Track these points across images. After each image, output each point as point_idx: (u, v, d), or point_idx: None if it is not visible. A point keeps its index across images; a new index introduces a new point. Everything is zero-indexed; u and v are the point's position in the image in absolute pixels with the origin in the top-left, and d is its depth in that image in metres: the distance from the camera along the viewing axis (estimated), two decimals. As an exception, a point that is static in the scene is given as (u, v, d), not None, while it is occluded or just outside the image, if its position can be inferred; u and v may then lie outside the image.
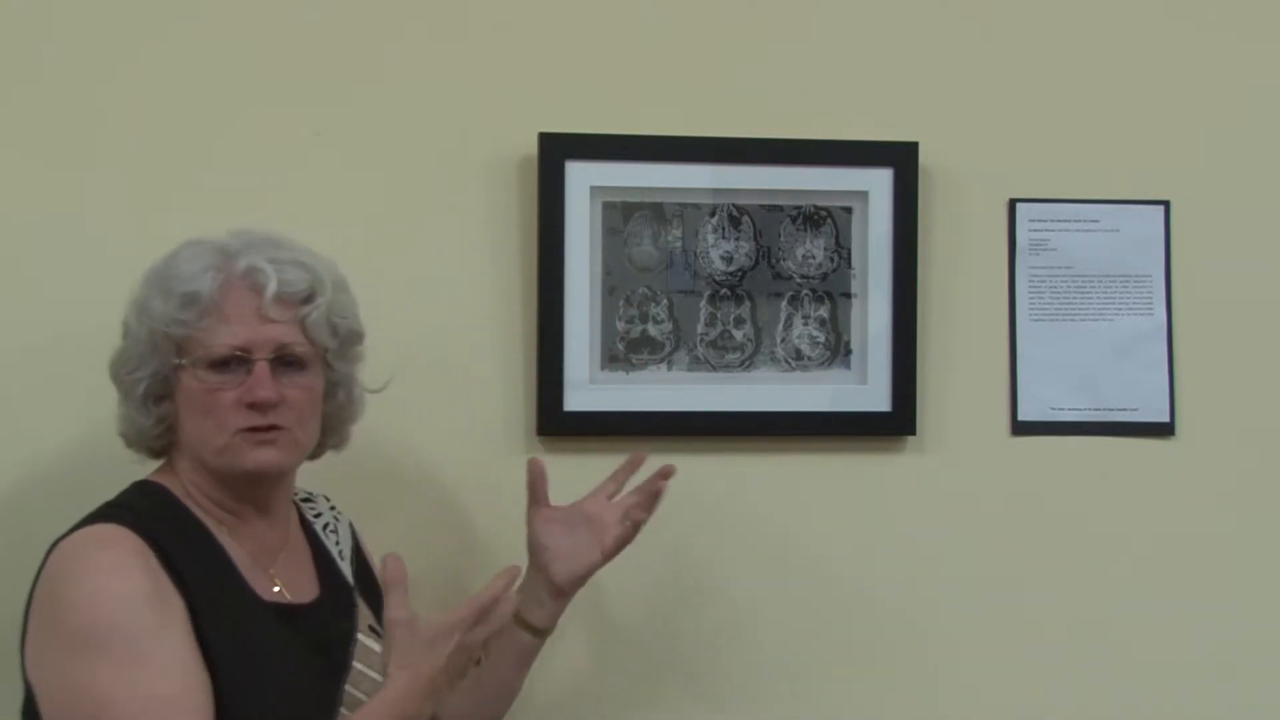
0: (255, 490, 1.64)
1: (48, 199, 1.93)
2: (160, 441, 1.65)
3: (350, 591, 1.73)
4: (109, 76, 1.95)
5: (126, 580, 1.49)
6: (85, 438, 1.89)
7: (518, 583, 1.63)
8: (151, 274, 1.62)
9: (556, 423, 2.03)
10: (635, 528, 1.83)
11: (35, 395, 1.92)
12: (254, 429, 1.58)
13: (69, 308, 1.90)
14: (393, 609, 1.52)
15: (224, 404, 1.58)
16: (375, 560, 1.80)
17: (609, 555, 1.83)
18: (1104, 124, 2.15)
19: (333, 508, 1.81)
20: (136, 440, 1.65)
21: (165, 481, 1.64)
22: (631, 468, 1.88)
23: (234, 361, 1.58)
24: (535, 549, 1.84)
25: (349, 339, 1.68)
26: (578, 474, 2.03)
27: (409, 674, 1.50)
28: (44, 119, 1.94)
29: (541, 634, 1.83)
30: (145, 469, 1.67)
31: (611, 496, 1.86)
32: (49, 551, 1.55)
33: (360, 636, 1.67)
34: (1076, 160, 2.15)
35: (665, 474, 1.84)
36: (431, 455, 2.01)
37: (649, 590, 2.07)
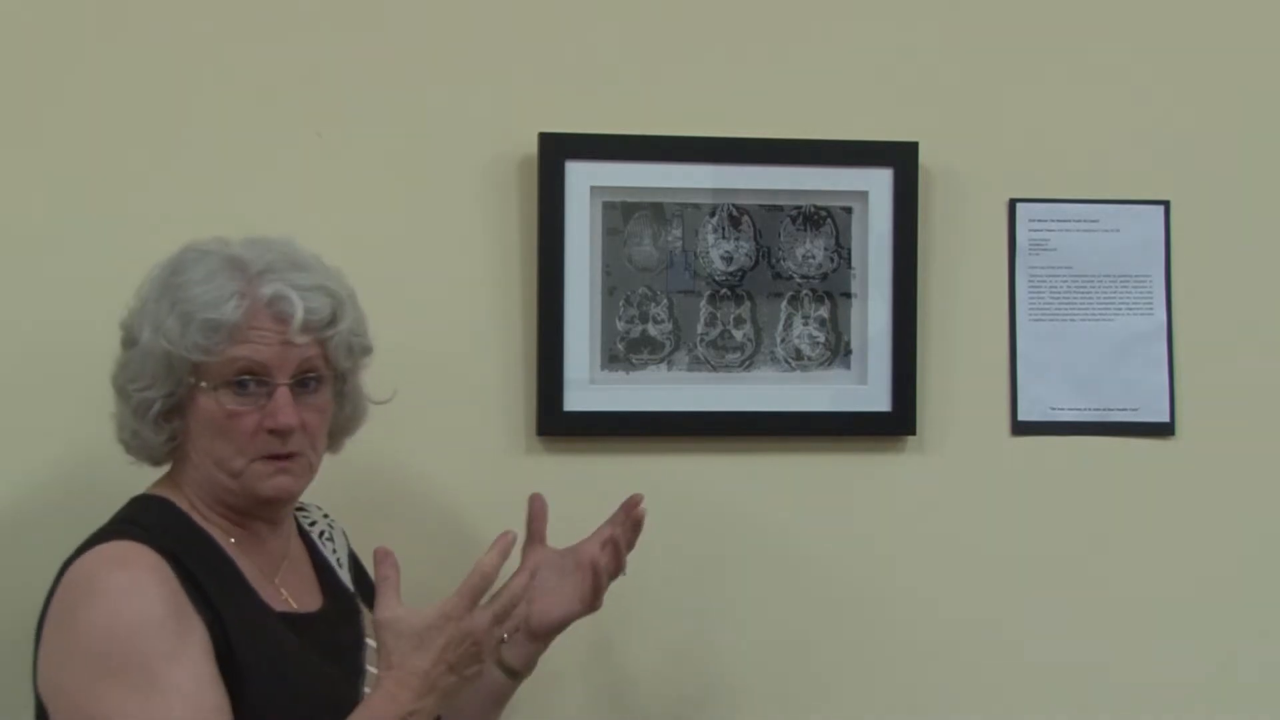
0: (264, 511, 1.63)
1: (47, 201, 1.93)
2: (168, 457, 1.62)
3: (352, 598, 1.73)
4: (109, 77, 1.95)
5: (142, 603, 1.47)
6: (73, 445, 1.89)
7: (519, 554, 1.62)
8: (163, 289, 1.57)
9: (556, 423, 2.03)
10: (600, 578, 1.76)
11: (23, 400, 1.92)
12: (273, 456, 1.57)
13: (69, 310, 1.90)
14: (381, 608, 1.51)
15: (244, 429, 1.56)
16: (369, 565, 1.80)
17: (588, 607, 1.78)
18: (1104, 124, 2.15)
19: (326, 515, 1.80)
20: (139, 451, 1.62)
21: (169, 495, 1.61)
22: (627, 510, 1.80)
23: (253, 384, 1.56)
24: None
25: (361, 354, 1.67)
26: (578, 474, 2.04)
27: (395, 675, 1.48)
28: (43, 121, 1.94)
29: (516, 675, 1.79)
30: (144, 473, 1.66)
31: (606, 543, 1.79)
32: (62, 569, 1.53)
33: (369, 641, 1.66)
34: (1076, 160, 2.15)
35: (632, 510, 1.78)
36: (431, 455, 2.01)
37: (648, 589, 2.07)
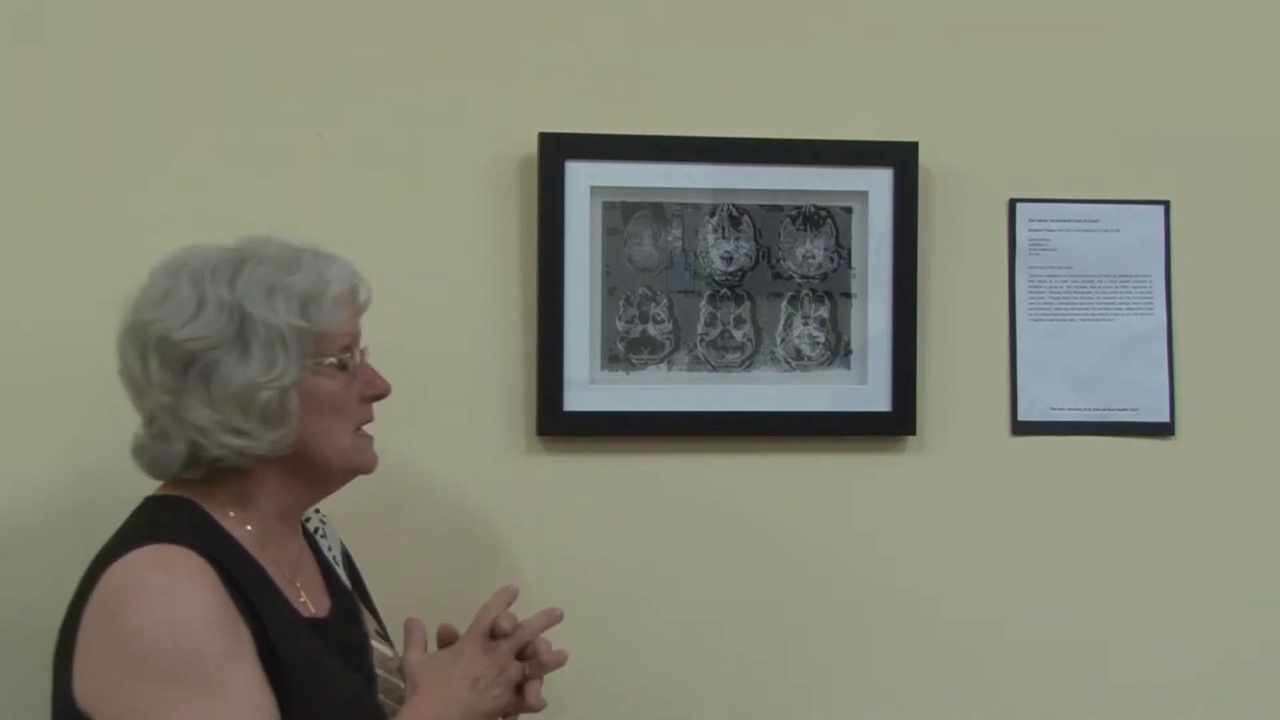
0: (326, 495, 1.66)
1: (47, 201, 1.94)
2: (285, 452, 1.55)
3: (352, 597, 1.72)
4: (109, 77, 1.95)
5: (198, 605, 1.44)
6: (73, 446, 1.90)
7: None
8: (251, 284, 1.52)
9: (556, 423, 2.03)
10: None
11: (23, 400, 1.92)
12: (363, 424, 1.63)
13: (69, 310, 1.91)
14: (409, 655, 1.65)
15: (353, 400, 1.59)
16: (363, 565, 1.81)
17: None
18: (1104, 124, 2.15)
19: (318, 510, 1.78)
20: (243, 454, 1.52)
21: (193, 496, 1.56)
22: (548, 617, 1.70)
23: (346, 358, 1.58)
24: None
25: None
26: (578, 474, 2.03)
27: (420, 695, 1.59)
28: (43, 121, 1.94)
29: None
30: (145, 475, 1.61)
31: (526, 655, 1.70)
32: (92, 574, 1.48)
33: (373, 644, 1.66)
34: (1076, 160, 2.15)
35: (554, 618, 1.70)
36: (431, 455, 2.01)
37: (648, 589, 2.07)
